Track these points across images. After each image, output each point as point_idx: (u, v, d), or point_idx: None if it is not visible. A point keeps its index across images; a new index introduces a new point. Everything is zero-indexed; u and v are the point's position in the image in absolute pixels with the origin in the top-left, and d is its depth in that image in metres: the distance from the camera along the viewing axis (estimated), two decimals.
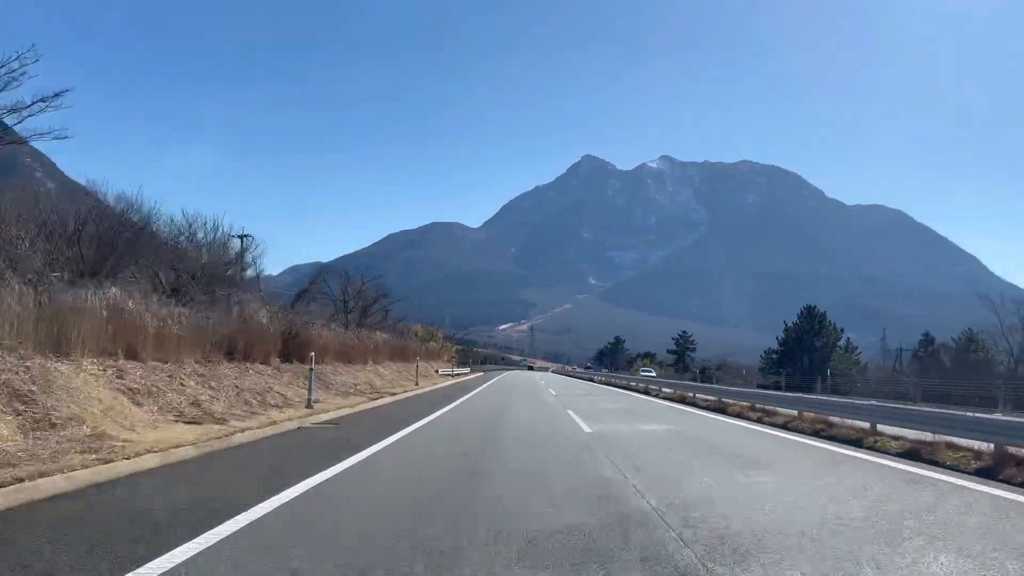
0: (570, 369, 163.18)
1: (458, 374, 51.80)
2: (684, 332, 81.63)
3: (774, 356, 57.26)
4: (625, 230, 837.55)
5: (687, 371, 78.24)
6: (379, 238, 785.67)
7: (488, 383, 40.77)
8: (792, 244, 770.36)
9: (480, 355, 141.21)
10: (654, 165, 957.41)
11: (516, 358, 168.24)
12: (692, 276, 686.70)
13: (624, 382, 39.77)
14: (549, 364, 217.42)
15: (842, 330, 55.15)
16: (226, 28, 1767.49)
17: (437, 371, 45.16)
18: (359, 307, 44.59)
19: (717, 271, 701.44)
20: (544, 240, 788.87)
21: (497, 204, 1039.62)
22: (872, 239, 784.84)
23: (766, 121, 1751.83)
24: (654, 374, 55.61)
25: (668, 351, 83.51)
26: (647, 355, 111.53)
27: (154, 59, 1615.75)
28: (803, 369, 53.39)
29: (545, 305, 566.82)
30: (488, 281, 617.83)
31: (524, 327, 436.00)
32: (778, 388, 38.21)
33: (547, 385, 39.99)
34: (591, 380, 55.15)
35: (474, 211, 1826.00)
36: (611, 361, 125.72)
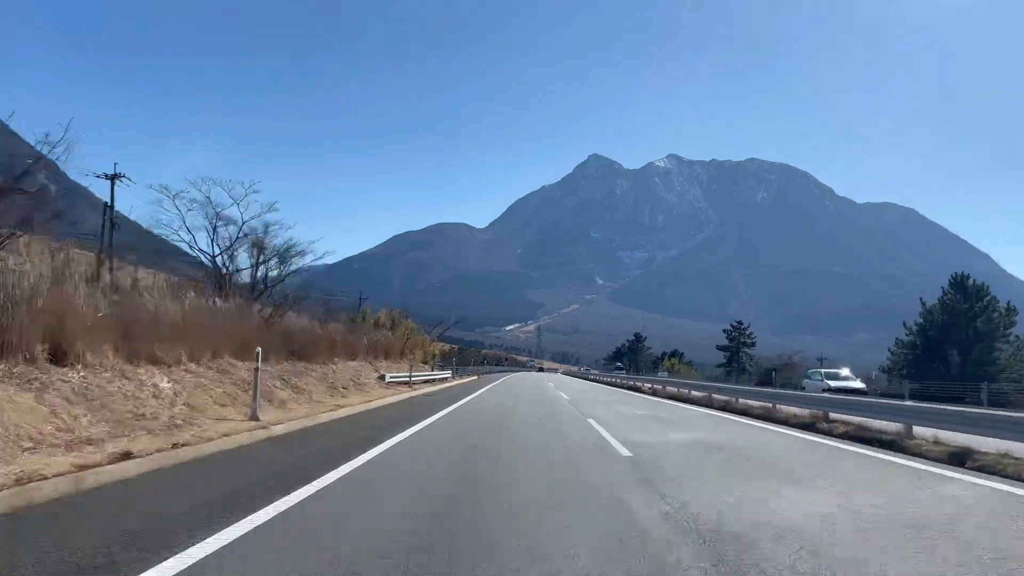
0: (580, 370, 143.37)
1: (428, 380, 32.69)
2: (739, 322, 62.34)
3: (908, 352, 37.98)
4: (633, 229, 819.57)
5: (744, 372, 59.35)
6: (384, 239, 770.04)
7: (464, 400, 21.67)
8: (803, 242, 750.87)
9: (481, 356, 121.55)
10: (661, 164, 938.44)
11: (523, 359, 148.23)
12: (702, 275, 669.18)
13: (724, 398, 20.50)
14: (558, 365, 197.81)
15: (1016, 310, 35.92)
16: (232, 33, 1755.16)
17: (384, 377, 26.18)
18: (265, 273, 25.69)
19: (727, 270, 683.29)
20: (551, 240, 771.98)
21: (503, 204, 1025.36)
22: (884, 237, 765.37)
23: (774, 119, 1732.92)
24: (859, 385, 27.85)
25: (718, 347, 64.32)
26: (673, 354, 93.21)
27: (160, 58, 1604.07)
28: (952, 370, 34.45)
29: (552, 305, 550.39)
30: (494, 282, 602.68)
31: (531, 328, 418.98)
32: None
33: (576, 405, 21.00)
34: (635, 389, 35.70)
35: (480, 212, 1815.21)
36: (632, 361, 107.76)
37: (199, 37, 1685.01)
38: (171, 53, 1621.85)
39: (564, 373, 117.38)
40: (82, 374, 9.76)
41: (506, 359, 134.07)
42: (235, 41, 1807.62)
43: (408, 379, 27.38)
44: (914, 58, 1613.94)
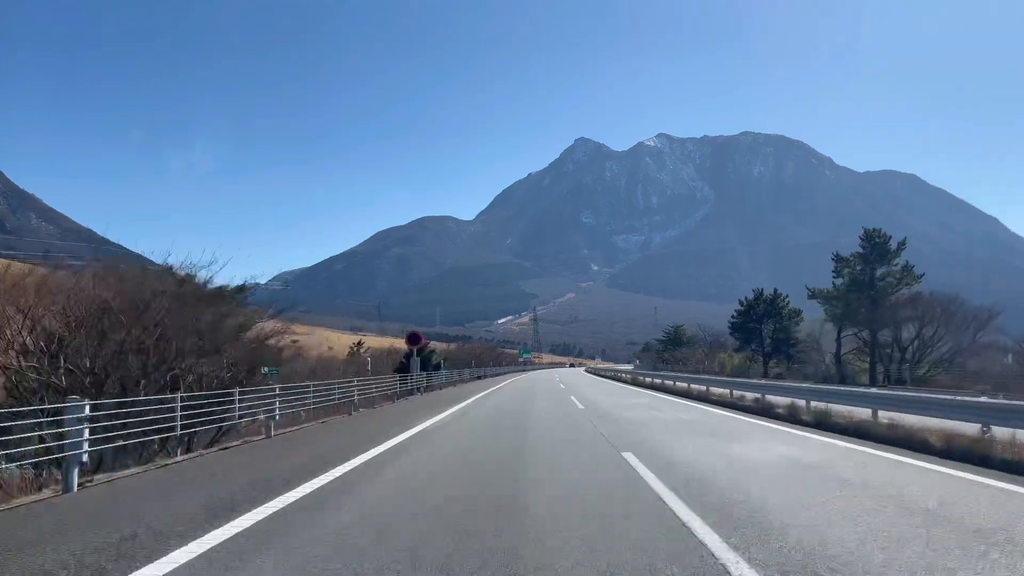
0: (594, 364, 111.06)
1: None
2: None
3: None
4: (627, 212, 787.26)
5: None
6: (367, 237, 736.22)
7: None
8: (806, 214, 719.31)
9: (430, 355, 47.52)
10: (651, 143, 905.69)
11: (511, 351, 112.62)
12: (703, 256, 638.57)
13: None
14: (564, 359, 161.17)
15: None
16: (207, 30, 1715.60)
17: None
18: None
19: (730, 248, 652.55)
20: (542, 228, 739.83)
21: (490, 195, 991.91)
22: (888, 205, 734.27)
23: (766, 89, 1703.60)
24: None
25: None
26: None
27: (135, 65, 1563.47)
28: None
29: (547, 295, 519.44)
30: (485, 275, 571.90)
31: (526, 320, 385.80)
32: None
33: None
34: None
35: (466, 203, 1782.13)
36: (778, 328, 51.32)
37: (181, 41, 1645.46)
38: (142, 52, 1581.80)
39: (588, 371, 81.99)
40: None
41: (444, 350, 51.72)
42: (203, 39, 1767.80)
43: None
44: (902, 18, 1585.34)
